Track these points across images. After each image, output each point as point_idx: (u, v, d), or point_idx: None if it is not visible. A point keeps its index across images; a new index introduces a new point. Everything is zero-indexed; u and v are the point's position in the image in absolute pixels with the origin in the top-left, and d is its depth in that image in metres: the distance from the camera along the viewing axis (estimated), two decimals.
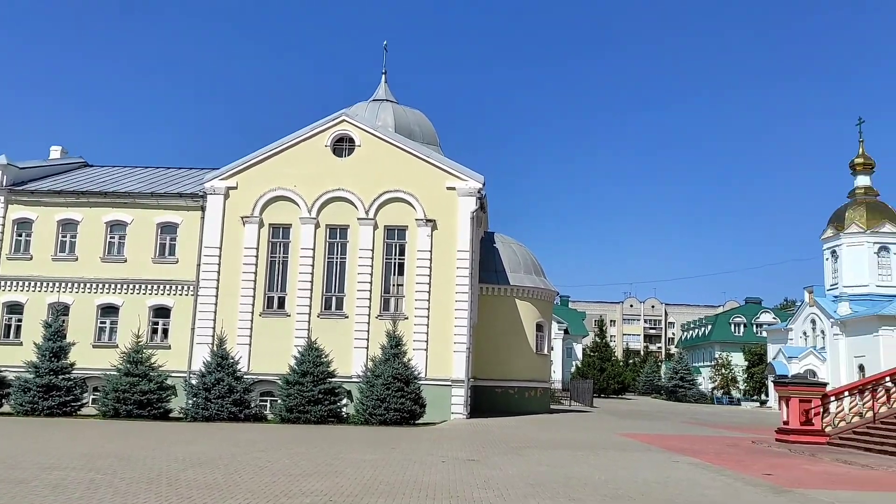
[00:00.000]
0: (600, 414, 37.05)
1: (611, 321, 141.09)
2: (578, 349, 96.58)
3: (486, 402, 32.31)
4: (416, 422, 23.35)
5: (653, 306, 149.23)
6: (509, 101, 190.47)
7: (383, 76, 36.98)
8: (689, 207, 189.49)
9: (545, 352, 35.68)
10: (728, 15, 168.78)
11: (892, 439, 16.58)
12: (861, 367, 52.36)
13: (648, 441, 19.63)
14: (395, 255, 28.71)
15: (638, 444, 18.42)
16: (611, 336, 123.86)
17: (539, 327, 34.91)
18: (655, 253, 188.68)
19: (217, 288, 28.58)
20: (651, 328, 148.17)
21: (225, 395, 22.94)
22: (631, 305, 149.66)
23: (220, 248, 28.93)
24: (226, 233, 29.09)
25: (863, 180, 60.19)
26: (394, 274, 28.63)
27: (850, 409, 19.80)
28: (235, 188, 29.36)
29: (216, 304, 28.41)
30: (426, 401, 23.99)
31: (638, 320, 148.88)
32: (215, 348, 24.59)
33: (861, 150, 60.06)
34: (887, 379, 19.67)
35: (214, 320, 28.13)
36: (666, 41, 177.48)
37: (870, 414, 19.46)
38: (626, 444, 18.58)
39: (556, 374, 76.47)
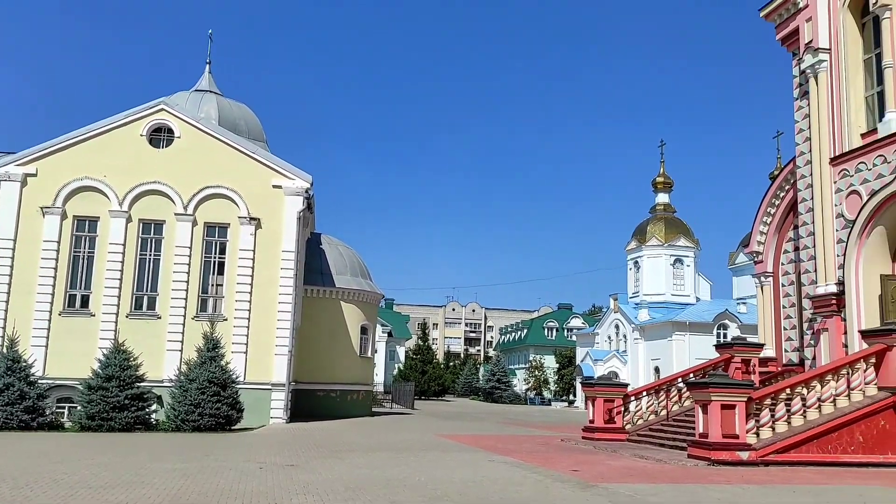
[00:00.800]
0: (421, 416, 37.64)
1: (433, 324, 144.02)
2: (401, 352, 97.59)
3: (307, 405, 31.77)
4: (233, 427, 22.47)
5: (473, 310, 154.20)
6: (339, 101, 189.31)
7: (207, 66, 35.34)
8: (510, 217, 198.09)
9: (369, 354, 35.70)
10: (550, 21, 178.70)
11: (682, 435, 18.17)
12: (657, 369, 57.19)
13: (466, 442, 20.17)
14: (216, 253, 27.51)
15: (456, 445, 18.87)
16: (433, 339, 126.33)
17: (364, 330, 34.87)
18: (477, 259, 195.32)
19: (9, 284, 25.92)
20: (472, 332, 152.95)
21: (15, 401, 20.84)
22: (453, 309, 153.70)
23: (14, 241, 26.27)
24: (21, 224, 26.47)
25: (662, 198, 65.74)
26: (213, 273, 27.42)
27: (647, 408, 21.49)
28: (35, 175, 26.79)
29: (7, 303, 25.76)
30: (244, 405, 23.15)
31: (459, 324, 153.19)
32: (5, 350, 22.28)
33: (662, 170, 65.66)
34: (679, 380, 21.54)
35: (5, 320, 25.49)
36: (490, 35, 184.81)
37: (664, 412, 21.22)
38: (445, 445, 18.98)
39: (379, 376, 76.82)
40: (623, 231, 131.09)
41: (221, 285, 27.23)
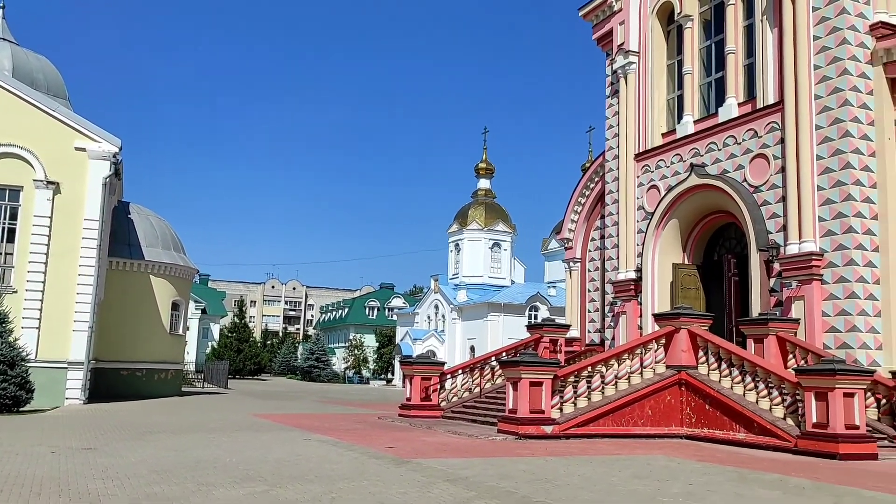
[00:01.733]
0: (235, 395, 36.48)
1: (252, 302, 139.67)
2: (216, 330, 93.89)
3: (109, 385, 29.72)
4: (22, 409, 20.52)
5: (294, 288, 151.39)
6: (153, 67, 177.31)
7: (0, 10, 31.61)
8: (334, 196, 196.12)
9: (180, 332, 34.00)
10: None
11: (493, 411, 18.96)
12: (472, 348, 59.27)
13: (282, 421, 19.80)
14: (5, 218, 24.87)
15: (271, 425, 18.46)
16: (250, 317, 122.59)
17: (175, 306, 33.12)
18: (299, 237, 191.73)
19: None
20: (291, 310, 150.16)
21: None
22: (273, 287, 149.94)
23: None
24: None
25: (484, 183, 67.88)
26: (2, 241, 24.79)
27: (462, 386, 22.20)
28: None
29: None
30: (35, 385, 21.19)
31: (279, 301, 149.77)
32: None
33: (485, 156, 67.74)
34: (493, 359, 22.43)
35: None
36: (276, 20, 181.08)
37: (477, 389, 22.02)
38: (259, 424, 18.50)
39: (191, 355, 73.42)
40: (446, 214, 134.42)
41: (11, 254, 24.68)
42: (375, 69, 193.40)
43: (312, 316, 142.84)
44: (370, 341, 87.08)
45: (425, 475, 10.16)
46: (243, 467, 10.49)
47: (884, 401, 15.66)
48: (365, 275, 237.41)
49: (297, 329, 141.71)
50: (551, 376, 16.32)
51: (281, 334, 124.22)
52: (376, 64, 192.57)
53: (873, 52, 18.39)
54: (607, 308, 26.74)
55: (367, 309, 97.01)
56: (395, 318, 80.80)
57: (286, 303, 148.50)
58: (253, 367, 77.51)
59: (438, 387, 21.46)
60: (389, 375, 76.55)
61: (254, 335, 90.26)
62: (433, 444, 14.33)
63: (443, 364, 22.82)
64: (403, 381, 22.38)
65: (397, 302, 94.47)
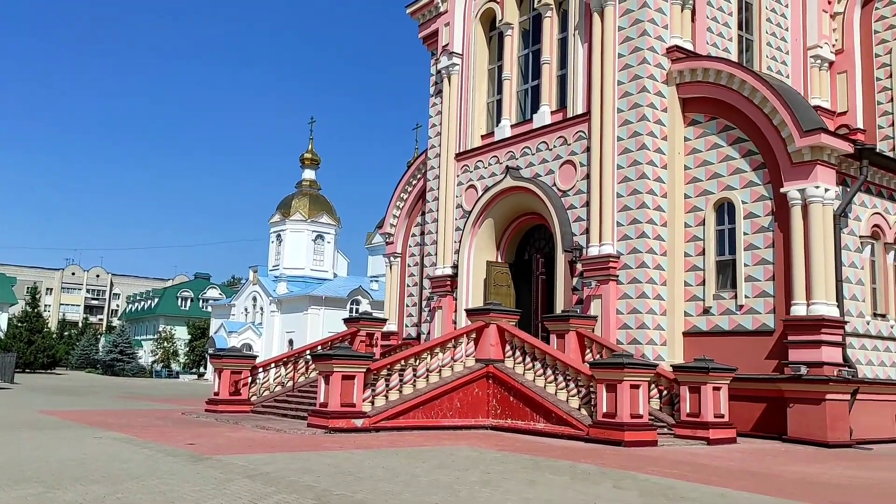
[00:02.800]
0: (22, 391, 33.30)
1: (47, 289, 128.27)
2: (3, 319, 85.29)
3: None
4: None
5: (98, 276, 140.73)
6: None
7: None
8: (146, 180, 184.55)
9: None
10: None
11: (305, 405, 18.68)
12: (291, 342, 58.18)
13: (73, 418, 18.31)
14: None
15: (59, 422, 17.01)
16: (45, 305, 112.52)
17: None
18: (105, 221, 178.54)
19: None
20: (94, 298, 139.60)
21: None
22: (73, 273, 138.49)
23: None
24: None
25: (309, 174, 66.82)
26: None
27: (274, 380, 21.69)
28: None
29: None
30: None
31: (80, 289, 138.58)
32: None
33: (311, 146, 66.68)
34: (308, 352, 22.11)
35: None
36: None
37: (290, 383, 21.61)
38: (47, 421, 16.99)
39: None
40: (269, 204, 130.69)
41: None
42: (203, 54, 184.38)
43: (118, 306, 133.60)
44: (182, 334, 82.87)
45: (224, 472, 9.80)
46: (19, 468, 9.57)
47: (665, 392, 17.16)
48: (180, 264, 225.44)
49: (101, 320, 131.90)
50: (364, 370, 16.34)
51: (81, 325, 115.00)
52: (205, 49, 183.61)
53: (669, 72, 20.10)
54: (424, 303, 27.25)
55: (180, 299, 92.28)
56: (209, 309, 77.51)
57: (88, 291, 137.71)
58: (46, 360, 71.22)
59: (249, 381, 20.82)
60: (201, 370, 73.32)
61: (48, 325, 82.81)
62: (237, 440, 13.87)
63: (254, 357, 22.18)
64: (214, 376, 21.48)
65: (213, 293, 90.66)
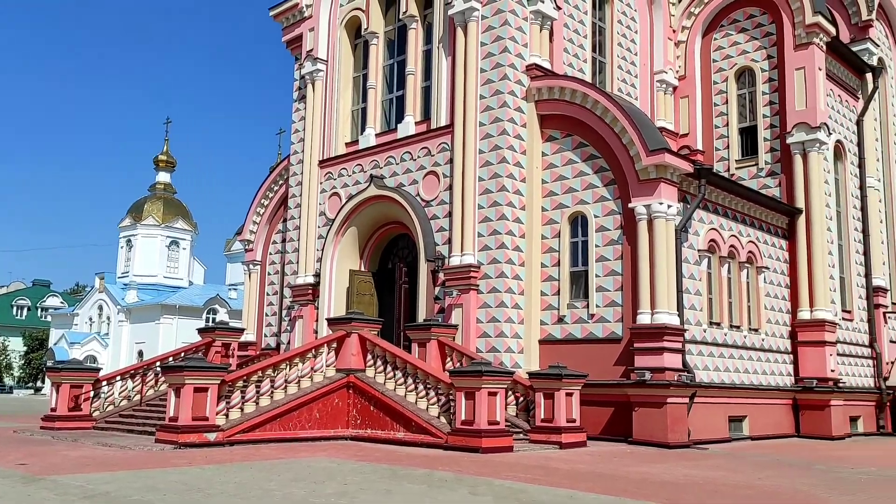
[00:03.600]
0: None
1: None
2: None
3: None
4: None
5: None
6: None
7: None
8: None
9: None
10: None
11: (154, 420, 17.72)
12: (140, 353, 55.12)
13: None
14: None
15: None
16: None
17: None
18: None
19: None
20: None
21: None
22: None
23: None
24: None
25: (164, 177, 63.86)
26: None
27: (119, 394, 20.43)
28: None
29: None
30: None
31: None
32: None
33: (166, 148, 63.85)
34: (158, 364, 21.01)
35: None
36: None
37: (138, 397, 20.44)
38: None
39: None
40: (119, 206, 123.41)
41: None
42: (55, 49, 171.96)
43: None
44: (16, 345, 76.54)
45: (58, 493, 9.09)
46: None
47: (521, 398, 17.66)
48: (14, 269, 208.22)
49: None
50: (218, 381, 15.72)
51: None
52: (57, 44, 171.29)
53: (528, 89, 20.81)
54: (285, 312, 26.65)
55: (15, 308, 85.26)
56: (49, 319, 72.11)
57: None
58: None
59: (92, 395, 19.50)
60: (39, 384, 68.02)
61: None
62: (75, 459, 12.92)
63: (98, 370, 20.79)
64: (52, 390, 19.94)
65: (54, 301, 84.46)
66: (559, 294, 20.03)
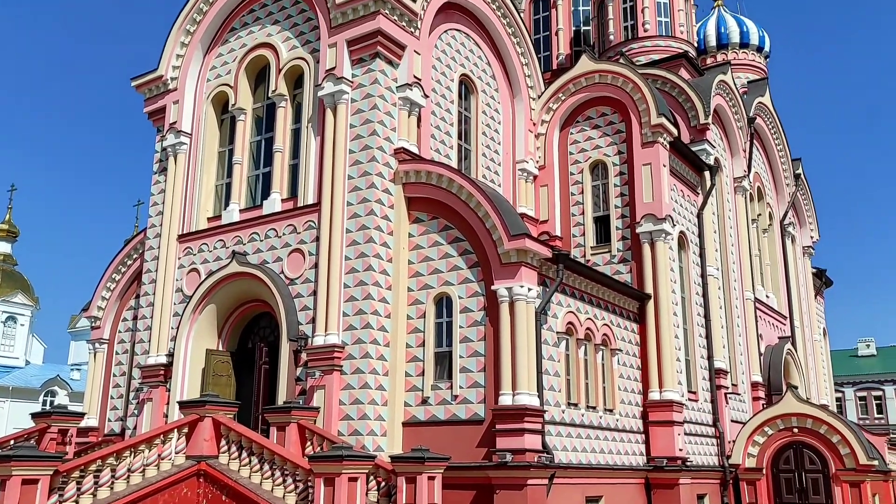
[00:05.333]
0: None
1: None
2: None
3: None
4: None
5: None
6: None
7: None
8: None
9: None
10: None
11: None
12: None
13: None
14: None
15: None
16: None
17: None
18: None
19: None
20: None
21: None
22: None
23: None
24: None
25: (4, 247, 59.45)
26: None
27: None
28: None
29: None
30: None
31: None
32: None
33: (8, 216, 59.53)
34: None
35: None
36: None
37: None
38: None
39: None
40: None
41: None
42: None
43: None
44: None
45: None
46: None
47: (383, 483, 17.20)
48: None
49: None
50: (51, 472, 14.32)
51: None
52: None
53: (396, 172, 21.18)
54: (133, 395, 24.94)
55: None
56: None
57: None
58: None
59: None
60: None
61: None
62: None
63: None
64: None
65: None
66: (423, 375, 19.98)
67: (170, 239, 24.32)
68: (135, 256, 26.96)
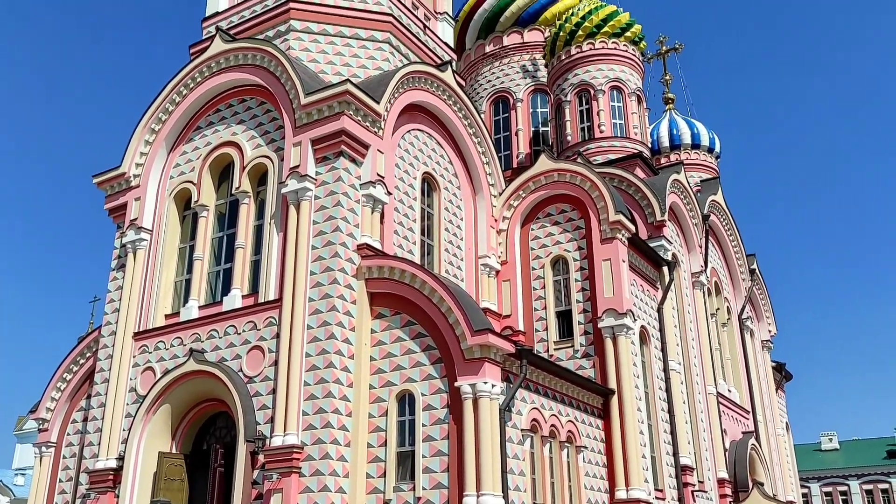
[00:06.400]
0: None
1: None
2: None
3: None
4: None
5: None
6: None
7: None
8: None
9: None
10: None
11: None
12: None
13: None
14: None
15: None
16: None
17: None
18: None
19: None
20: None
21: None
22: None
23: None
24: None
25: None
26: None
27: None
28: None
29: None
30: None
31: None
32: None
33: None
34: None
35: None
36: None
37: None
38: None
39: None
40: None
41: None
42: None
43: None
44: None
45: None
46: None
47: None
48: None
49: None
50: None
51: None
52: None
53: (358, 268, 21.18)
54: (79, 502, 23.67)
55: None
56: None
57: None
58: None
59: None
60: None
61: None
62: None
63: None
64: None
65: None
66: (385, 476, 19.37)
67: (125, 336, 23.72)
68: (88, 355, 26.18)
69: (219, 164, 24.48)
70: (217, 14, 27.37)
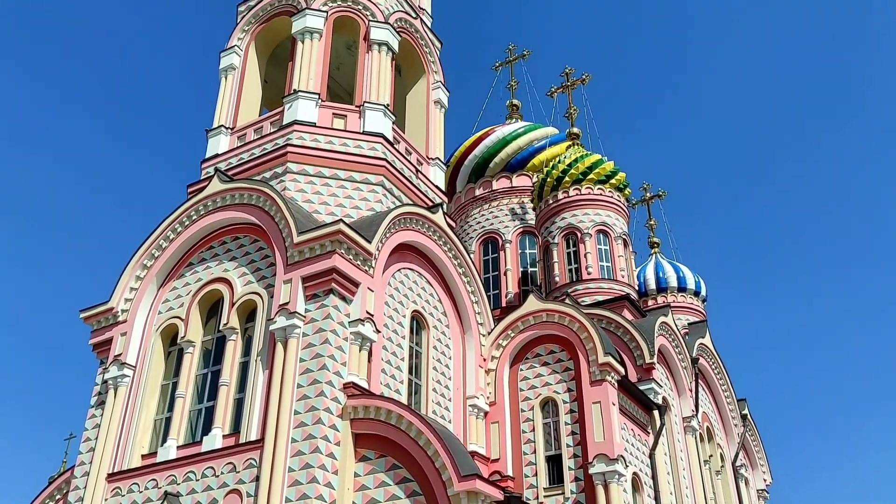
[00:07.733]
0: None
1: None
2: None
3: None
4: None
5: None
6: None
7: None
8: None
9: None
10: None
11: None
12: None
13: None
14: None
15: None
16: None
17: None
18: None
19: None
20: None
21: None
22: None
23: None
24: None
25: None
26: None
27: None
28: None
29: None
30: None
31: None
32: None
33: None
34: None
35: None
36: None
37: None
38: None
39: None
40: None
41: None
42: None
43: None
44: None
45: None
46: None
47: None
48: None
49: None
50: None
51: None
52: None
53: (344, 407, 20.72)
54: None
55: None
56: None
57: None
58: None
59: None
60: None
61: None
62: None
63: None
64: None
65: None
66: None
67: (98, 478, 22.72)
68: (59, 497, 25.01)
69: (208, 300, 24.45)
70: (217, 156, 28.22)
